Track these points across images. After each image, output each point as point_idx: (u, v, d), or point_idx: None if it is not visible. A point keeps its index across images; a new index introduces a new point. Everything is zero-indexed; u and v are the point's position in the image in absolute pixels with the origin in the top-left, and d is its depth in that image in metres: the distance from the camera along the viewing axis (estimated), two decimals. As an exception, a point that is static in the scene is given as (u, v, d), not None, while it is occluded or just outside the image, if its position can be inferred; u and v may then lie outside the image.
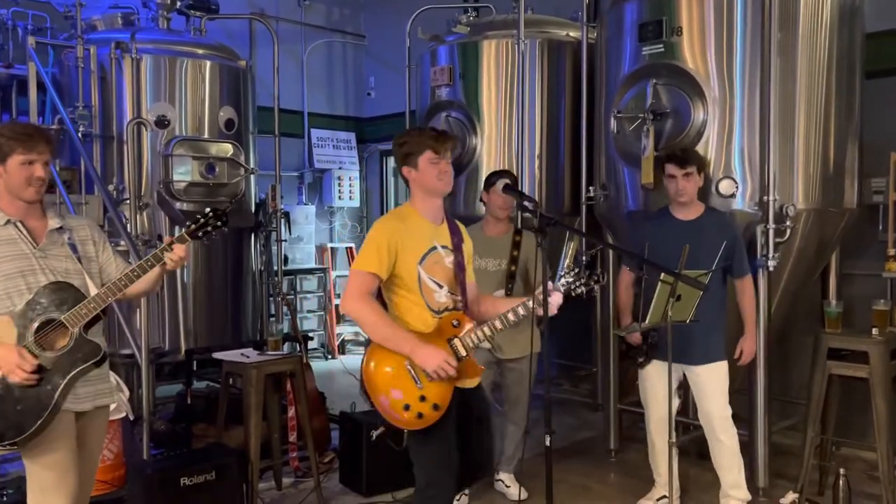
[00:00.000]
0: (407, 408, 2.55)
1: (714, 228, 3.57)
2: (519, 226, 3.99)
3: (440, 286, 2.67)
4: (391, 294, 2.69)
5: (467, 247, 2.81)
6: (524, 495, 3.87)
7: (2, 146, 2.46)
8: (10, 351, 2.39)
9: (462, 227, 2.86)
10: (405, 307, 2.66)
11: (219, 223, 2.59)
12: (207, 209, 2.63)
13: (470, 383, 2.68)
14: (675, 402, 3.71)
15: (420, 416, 2.56)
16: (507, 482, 4.00)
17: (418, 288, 2.64)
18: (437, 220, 2.74)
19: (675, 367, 3.56)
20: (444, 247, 2.70)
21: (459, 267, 2.72)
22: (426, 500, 2.66)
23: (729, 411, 3.58)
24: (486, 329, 2.63)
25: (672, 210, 3.65)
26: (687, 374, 3.64)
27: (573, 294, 2.68)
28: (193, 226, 2.59)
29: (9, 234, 2.50)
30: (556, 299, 2.63)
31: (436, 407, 2.57)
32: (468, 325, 2.65)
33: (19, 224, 2.52)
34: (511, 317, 2.64)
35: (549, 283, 2.61)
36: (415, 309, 2.65)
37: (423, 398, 2.56)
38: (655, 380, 3.64)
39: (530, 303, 2.62)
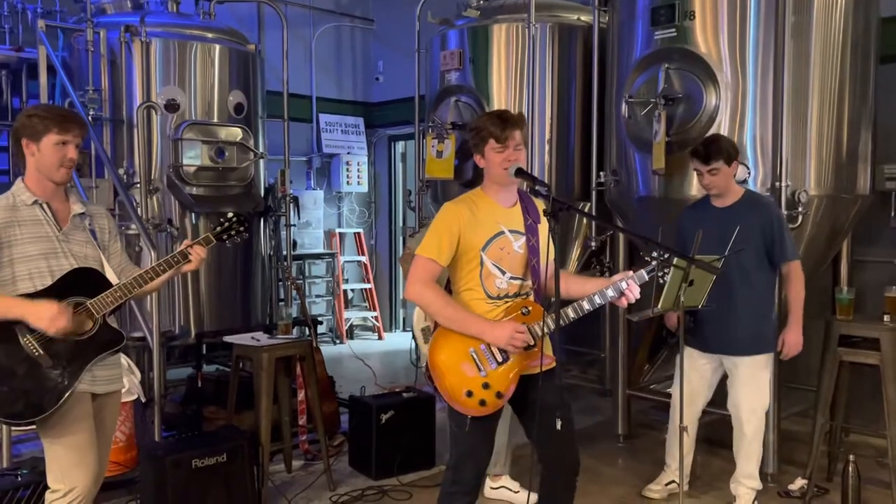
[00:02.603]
0: (469, 394, 2.53)
1: (749, 214, 3.43)
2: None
3: (503, 272, 2.62)
4: (453, 278, 2.68)
5: (543, 226, 2.69)
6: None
7: (36, 125, 2.48)
8: (51, 304, 2.39)
9: (540, 203, 2.71)
10: (463, 292, 2.65)
11: (241, 228, 2.71)
12: (230, 213, 2.73)
13: (534, 370, 2.60)
14: (709, 393, 3.65)
15: (483, 402, 2.54)
16: (512, 487, 3.79)
17: (478, 274, 2.61)
18: (509, 202, 2.68)
19: (714, 355, 3.54)
20: (512, 231, 2.64)
21: (532, 251, 2.65)
22: (449, 492, 2.67)
23: (762, 404, 3.49)
24: (553, 320, 2.53)
25: (711, 198, 3.57)
26: (724, 363, 3.56)
27: (660, 281, 2.63)
28: (219, 228, 2.69)
29: (35, 214, 2.52)
30: (635, 290, 2.56)
31: (499, 395, 2.55)
32: (538, 313, 2.59)
33: (45, 206, 2.54)
34: (586, 305, 2.57)
35: (631, 272, 2.56)
36: (471, 294, 2.63)
37: (486, 385, 2.53)
38: (689, 366, 3.56)
39: (623, 283, 2.54)
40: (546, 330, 2.56)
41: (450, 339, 2.58)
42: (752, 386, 3.48)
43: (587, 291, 2.60)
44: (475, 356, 2.55)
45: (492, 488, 3.81)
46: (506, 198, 2.68)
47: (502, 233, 2.62)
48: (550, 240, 2.57)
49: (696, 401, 3.59)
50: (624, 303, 2.59)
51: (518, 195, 2.72)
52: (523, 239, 2.65)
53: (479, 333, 2.54)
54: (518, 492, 3.77)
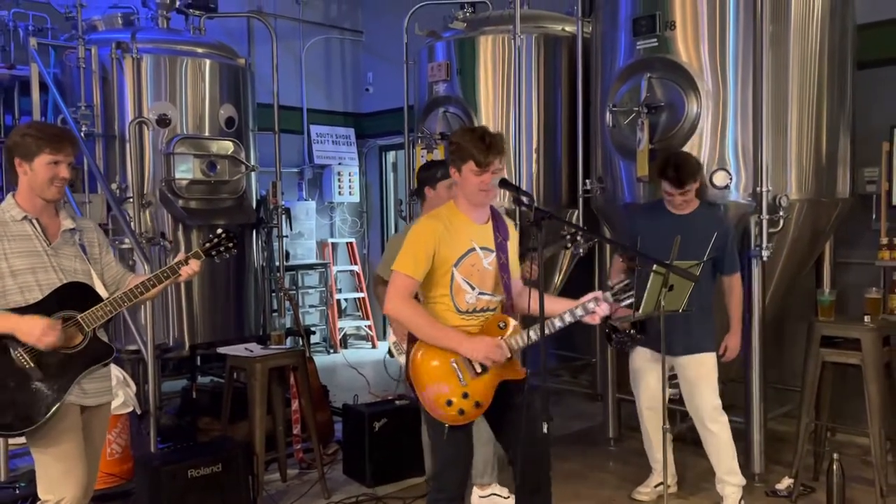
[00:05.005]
0: (449, 403, 2.60)
1: (706, 222, 3.57)
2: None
3: (472, 288, 2.68)
4: (423, 289, 2.73)
5: (513, 243, 2.79)
6: None
7: (30, 145, 2.54)
8: (39, 319, 2.45)
9: (510, 222, 2.83)
10: (433, 304, 2.71)
11: (230, 244, 2.75)
12: (220, 230, 2.78)
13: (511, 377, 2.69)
14: (668, 391, 3.73)
15: (462, 412, 2.61)
16: (502, 493, 3.81)
17: (449, 289, 2.67)
18: (481, 219, 2.74)
19: (666, 356, 3.61)
20: (483, 248, 2.70)
21: (503, 268, 2.71)
22: (434, 499, 2.73)
23: (718, 401, 3.58)
24: (531, 333, 2.62)
25: (666, 204, 3.67)
26: (674, 365, 3.65)
27: (621, 304, 2.68)
28: (208, 244, 2.74)
29: (24, 230, 2.57)
30: (603, 310, 2.63)
31: (478, 404, 2.61)
32: (514, 327, 2.67)
33: (35, 221, 2.59)
34: (557, 322, 2.63)
35: (600, 294, 2.64)
36: (441, 306, 2.69)
37: (465, 395, 2.60)
38: (645, 368, 3.70)
39: (591, 304, 2.61)
40: (522, 343, 2.63)
41: (431, 348, 2.64)
42: (705, 384, 3.57)
43: (556, 311, 2.67)
44: (455, 366, 2.62)
45: (481, 497, 3.82)
46: (478, 215, 2.74)
47: (473, 249, 2.69)
48: (537, 250, 2.62)
49: (659, 401, 3.64)
50: (593, 321, 2.66)
51: (490, 212, 2.78)
52: (493, 256, 2.71)
53: (456, 348, 2.60)
54: (508, 497, 3.79)
